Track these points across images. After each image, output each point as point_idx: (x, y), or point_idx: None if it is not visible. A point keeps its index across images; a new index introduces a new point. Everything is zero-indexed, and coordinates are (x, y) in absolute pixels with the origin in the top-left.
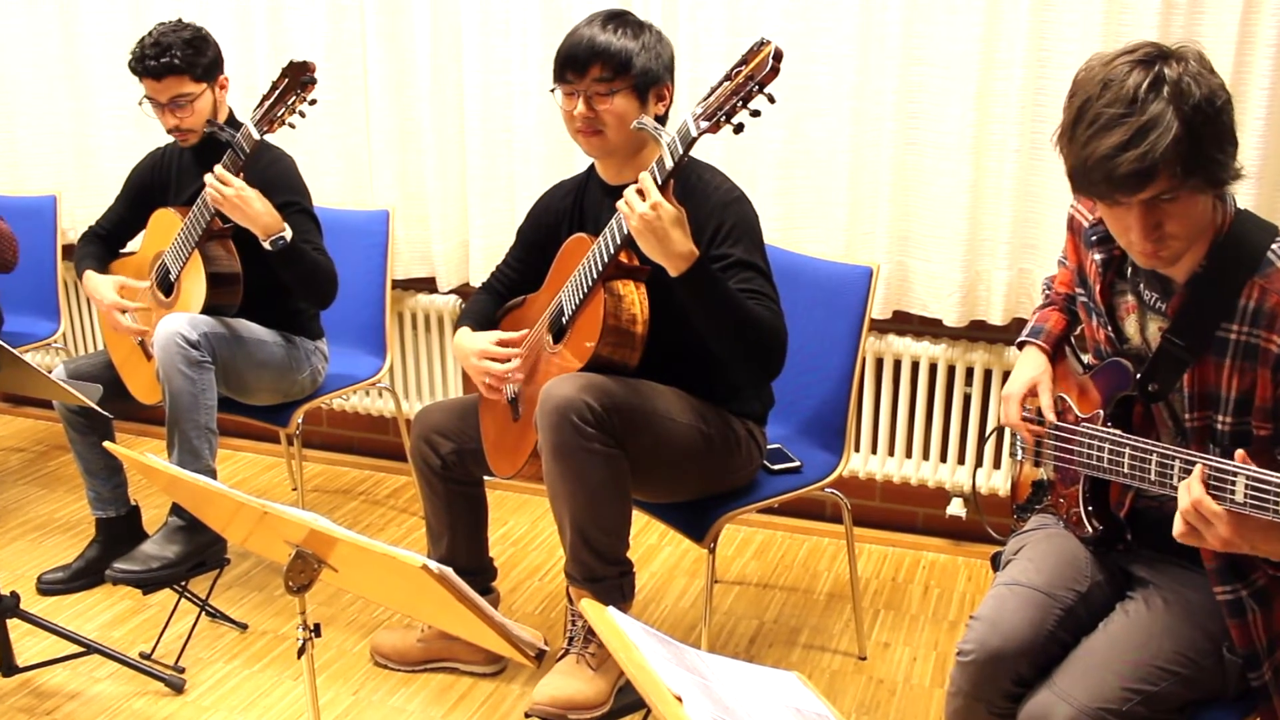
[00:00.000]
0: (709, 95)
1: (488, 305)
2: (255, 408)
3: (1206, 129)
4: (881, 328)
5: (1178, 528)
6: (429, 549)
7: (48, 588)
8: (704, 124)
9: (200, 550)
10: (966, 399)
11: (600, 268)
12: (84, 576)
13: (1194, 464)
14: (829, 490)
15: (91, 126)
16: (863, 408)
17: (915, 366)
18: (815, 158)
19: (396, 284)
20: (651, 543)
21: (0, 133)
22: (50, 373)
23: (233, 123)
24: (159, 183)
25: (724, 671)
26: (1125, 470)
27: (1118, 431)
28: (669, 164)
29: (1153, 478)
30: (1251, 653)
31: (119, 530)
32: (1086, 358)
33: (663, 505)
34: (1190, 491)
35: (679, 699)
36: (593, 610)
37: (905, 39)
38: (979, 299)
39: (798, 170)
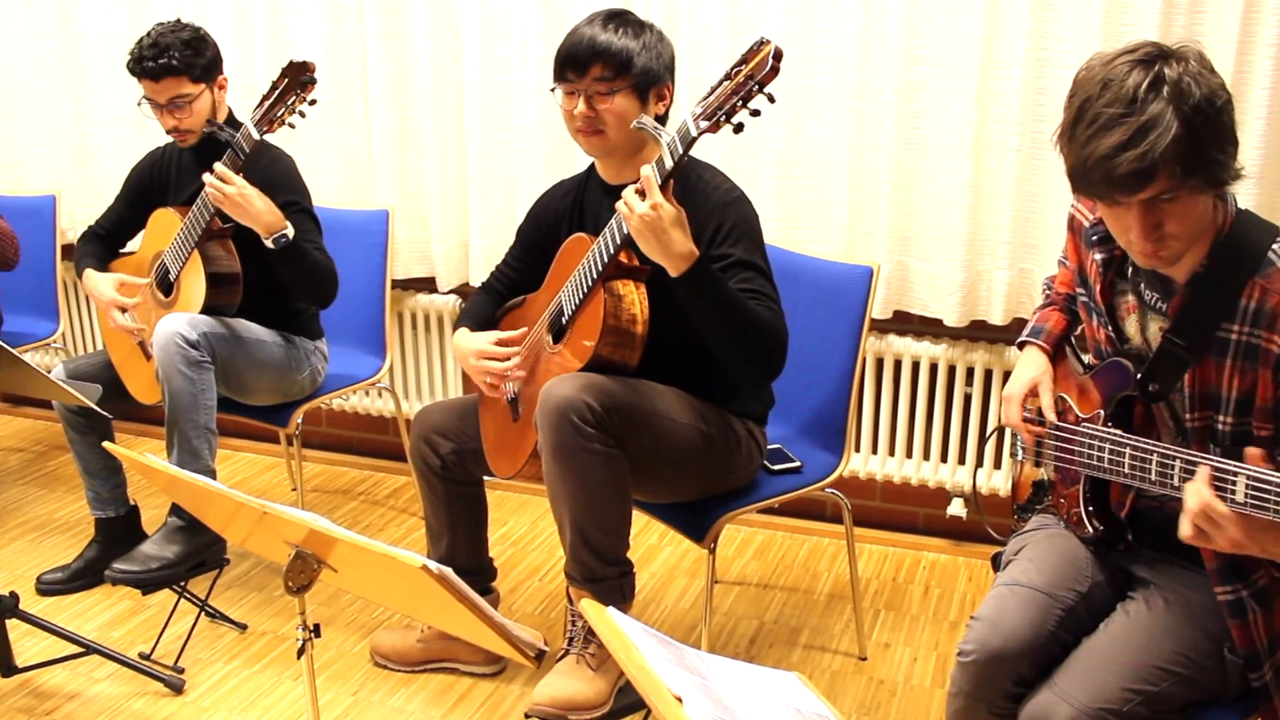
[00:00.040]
0: (709, 95)
1: (487, 305)
2: (255, 408)
3: (1206, 129)
4: (882, 328)
5: (1185, 530)
6: (429, 549)
7: (47, 588)
8: (704, 124)
9: (200, 550)
10: (967, 399)
11: (600, 267)
12: (83, 577)
13: (1195, 464)
14: (829, 490)
15: (91, 126)
16: (863, 408)
17: (916, 366)
18: (815, 157)
19: (396, 284)
20: (651, 543)
21: (0, 132)
22: (49, 373)
23: (232, 122)
24: (159, 182)
25: (724, 672)
26: (1126, 470)
27: (1118, 432)
28: (669, 164)
29: (1153, 478)
30: (1252, 653)
31: (118, 530)
32: (1087, 358)
33: (663, 505)
34: (1198, 495)
35: (679, 699)
36: (593, 610)
37: (905, 39)
38: (979, 299)
39: (798, 170)
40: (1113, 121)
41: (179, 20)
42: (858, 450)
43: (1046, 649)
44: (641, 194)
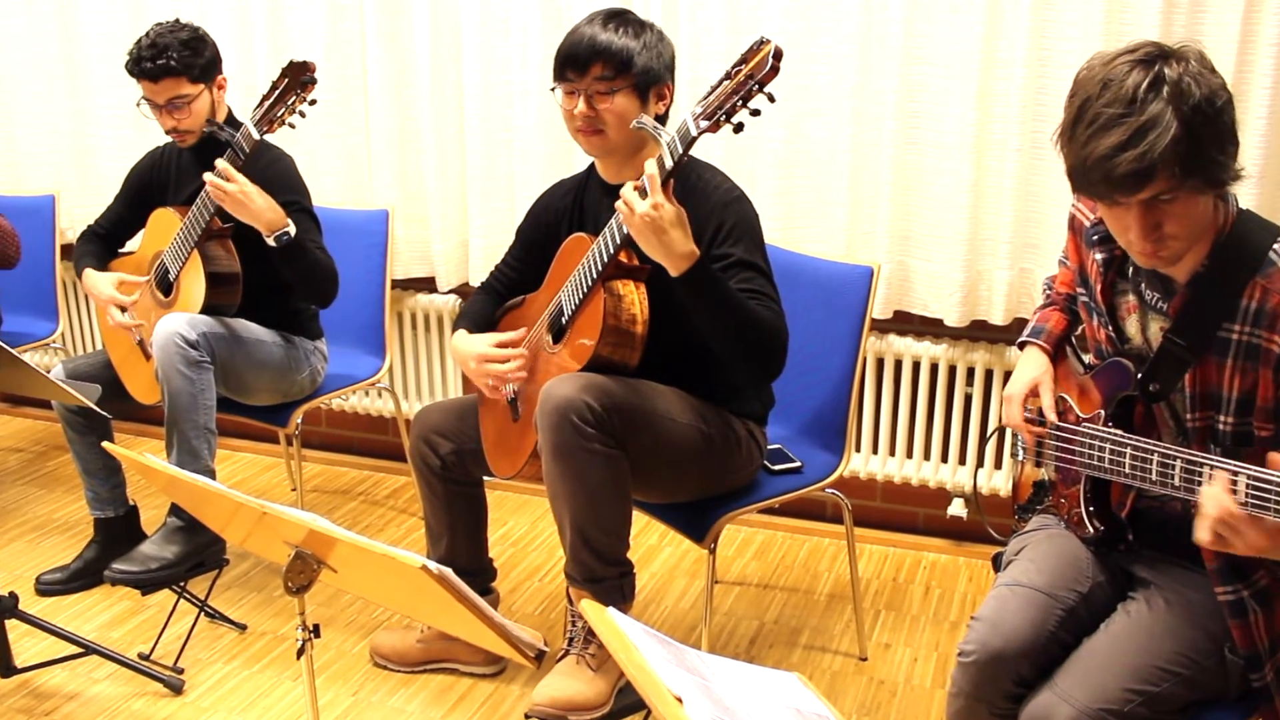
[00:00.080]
0: (709, 94)
1: (486, 306)
2: (254, 408)
3: (1206, 129)
4: (882, 328)
5: (1203, 536)
6: (428, 549)
7: (46, 588)
8: (704, 123)
9: (199, 551)
10: (967, 399)
11: (600, 267)
12: (82, 577)
13: (1197, 463)
14: (829, 490)
15: (90, 126)
16: (863, 408)
17: (916, 366)
18: (815, 157)
19: (396, 284)
20: (651, 543)
21: None
22: (49, 373)
23: (232, 122)
24: (158, 182)
25: (724, 672)
26: (1126, 470)
27: (1119, 432)
28: (669, 163)
29: (1154, 478)
30: (1253, 653)
31: (117, 530)
32: (1087, 358)
33: (663, 506)
34: (1217, 500)
35: (679, 700)
36: (593, 611)
37: (906, 38)
38: (980, 299)
39: (798, 170)
40: (1112, 121)
41: (178, 20)
42: (858, 450)
43: (1047, 649)
44: (643, 192)
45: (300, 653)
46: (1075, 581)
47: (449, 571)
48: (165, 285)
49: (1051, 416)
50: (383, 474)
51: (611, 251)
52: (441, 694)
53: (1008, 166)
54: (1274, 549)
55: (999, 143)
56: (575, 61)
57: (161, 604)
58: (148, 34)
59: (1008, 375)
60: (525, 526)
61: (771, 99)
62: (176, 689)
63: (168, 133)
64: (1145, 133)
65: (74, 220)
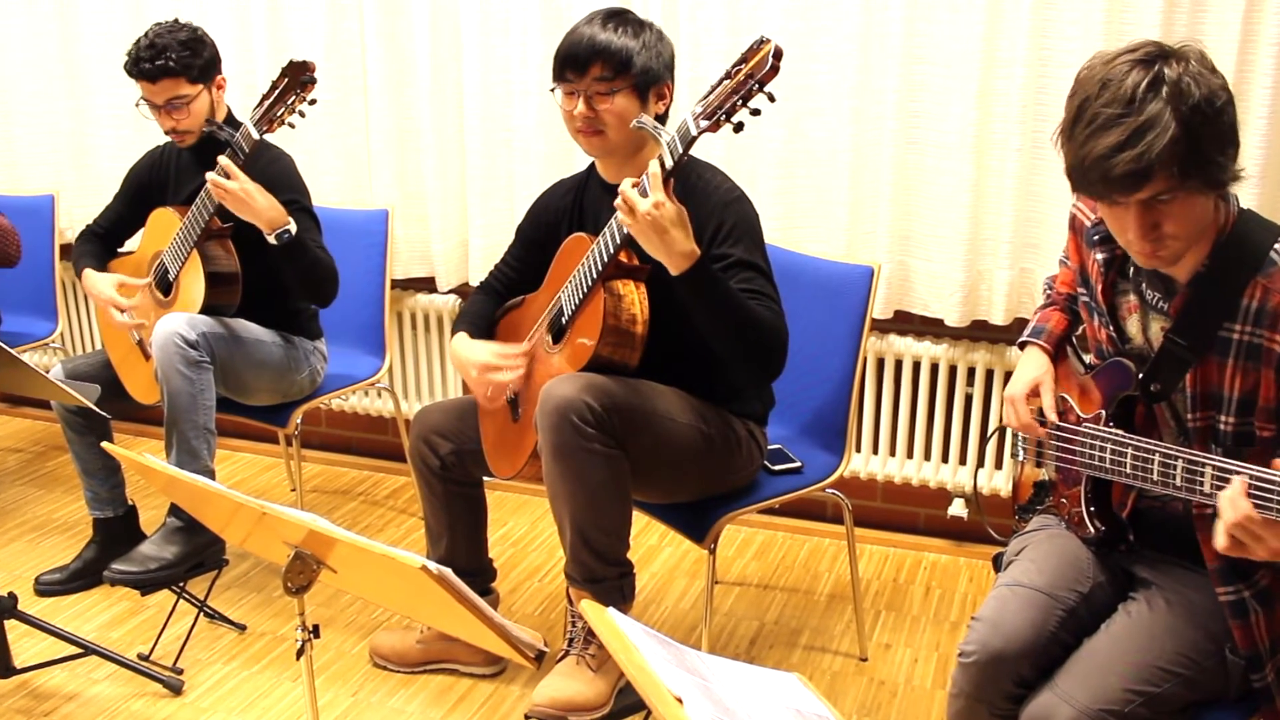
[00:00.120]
0: (709, 94)
1: (486, 306)
2: (254, 408)
3: (1205, 130)
4: (883, 328)
5: (1222, 542)
6: (428, 550)
7: (45, 588)
8: (704, 123)
9: (199, 551)
10: (968, 399)
11: (600, 267)
12: (82, 577)
13: (1198, 464)
14: (830, 491)
15: (89, 126)
16: (864, 408)
17: (916, 367)
18: (816, 157)
19: (396, 284)
20: (652, 543)
21: None
22: (48, 373)
23: (232, 122)
24: (158, 181)
25: (724, 673)
26: (1127, 471)
27: (1120, 432)
28: (669, 163)
29: (1155, 478)
30: (1254, 654)
31: (117, 531)
32: (1088, 358)
33: (663, 506)
34: (1236, 507)
35: (679, 700)
36: (593, 611)
37: (906, 38)
38: (980, 299)
39: (798, 170)
40: (1110, 121)
41: (176, 20)
42: (858, 450)
43: (1048, 650)
44: (643, 191)
45: (300, 653)
46: (1076, 582)
47: (449, 572)
48: (165, 285)
49: (1052, 416)
50: (382, 474)
51: (612, 251)
52: (441, 694)
53: (1008, 166)
54: None
55: (999, 142)
56: (575, 62)
57: (161, 604)
58: (146, 34)
59: (1008, 375)
60: (525, 527)
61: (771, 98)
62: (176, 689)
63: (167, 133)
64: (1143, 133)
65: (73, 220)
